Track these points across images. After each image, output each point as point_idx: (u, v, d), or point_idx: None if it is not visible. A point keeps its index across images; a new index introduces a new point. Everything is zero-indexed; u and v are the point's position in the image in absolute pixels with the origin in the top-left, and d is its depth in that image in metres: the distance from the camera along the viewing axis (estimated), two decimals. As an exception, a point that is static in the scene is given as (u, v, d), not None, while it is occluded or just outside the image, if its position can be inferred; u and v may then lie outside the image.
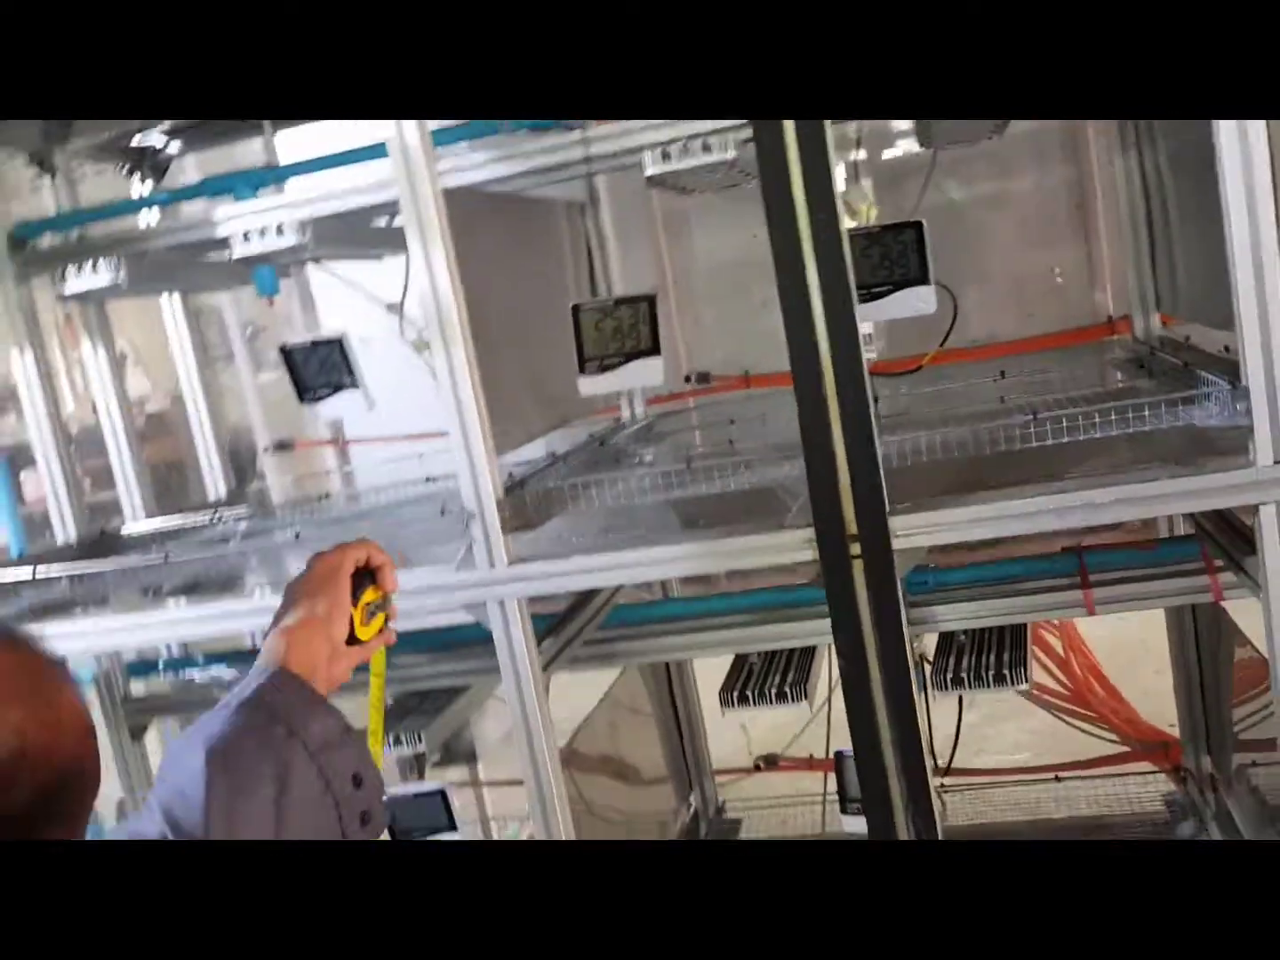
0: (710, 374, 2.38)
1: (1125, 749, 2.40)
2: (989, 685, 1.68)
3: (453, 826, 2.05)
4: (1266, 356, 1.31)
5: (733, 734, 2.89)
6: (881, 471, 1.43)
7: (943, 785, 2.38)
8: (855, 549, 1.46)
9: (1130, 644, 3.76)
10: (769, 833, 2.39)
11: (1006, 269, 2.43)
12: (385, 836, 1.16)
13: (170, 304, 2.35)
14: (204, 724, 0.99)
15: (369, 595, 1.17)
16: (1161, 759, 2.33)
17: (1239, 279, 1.32)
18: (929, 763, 1.68)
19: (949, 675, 1.71)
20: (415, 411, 2.54)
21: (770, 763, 2.50)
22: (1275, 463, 1.33)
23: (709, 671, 2.46)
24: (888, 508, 1.44)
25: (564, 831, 1.65)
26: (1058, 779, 2.32)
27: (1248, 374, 1.33)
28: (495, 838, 2.79)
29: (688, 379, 2.38)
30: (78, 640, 1.87)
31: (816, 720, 2.45)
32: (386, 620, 1.21)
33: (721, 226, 2.48)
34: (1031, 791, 2.31)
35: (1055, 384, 1.82)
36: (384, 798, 1.10)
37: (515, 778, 2.75)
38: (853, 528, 1.45)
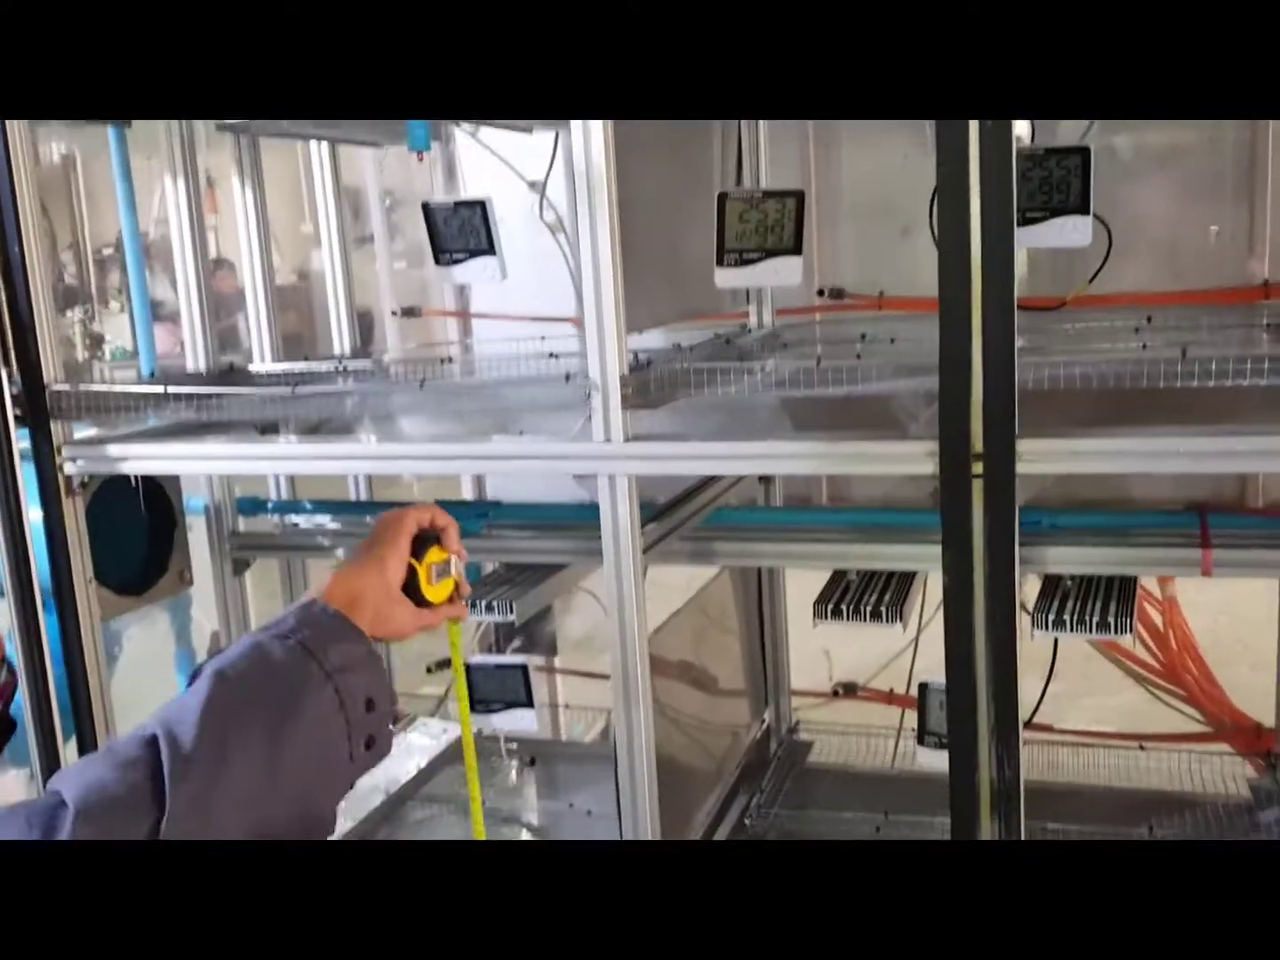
0: (844, 290, 2.34)
1: (1211, 730, 2.35)
2: (1092, 630, 1.65)
3: (530, 703, 2.10)
4: None
5: (814, 663, 2.89)
6: (1016, 393, 1.40)
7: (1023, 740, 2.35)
8: (977, 468, 1.43)
9: (1229, 640, 3.66)
10: (839, 758, 2.40)
11: (1162, 221, 2.33)
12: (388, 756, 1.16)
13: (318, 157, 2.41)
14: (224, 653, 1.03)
15: (434, 555, 1.18)
16: (1251, 743, 2.27)
17: None
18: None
19: (1051, 616, 1.67)
20: (542, 294, 2.56)
21: (849, 690, 2.50)
22: None
23: (796, 596, 2.47)
24: (1017, 430, 1.41)
25: (644, 724, 1.67)
26: (1141, 748, 2.27)
27: None
28: (563, 733, 2.86)
29: (820, 293, 2.34)
30: (198, 464, 1.94)
31: (900, 659, 2.44)
32: (458, 590, 1.22)
33: (873, 146, 2.42)
34: (1112, 757, 2.27)
35: (1203, 336, 1.75)
36: (393, 725, 1.11)
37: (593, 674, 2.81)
38: (978, 446, 1.42)
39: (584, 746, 2.60)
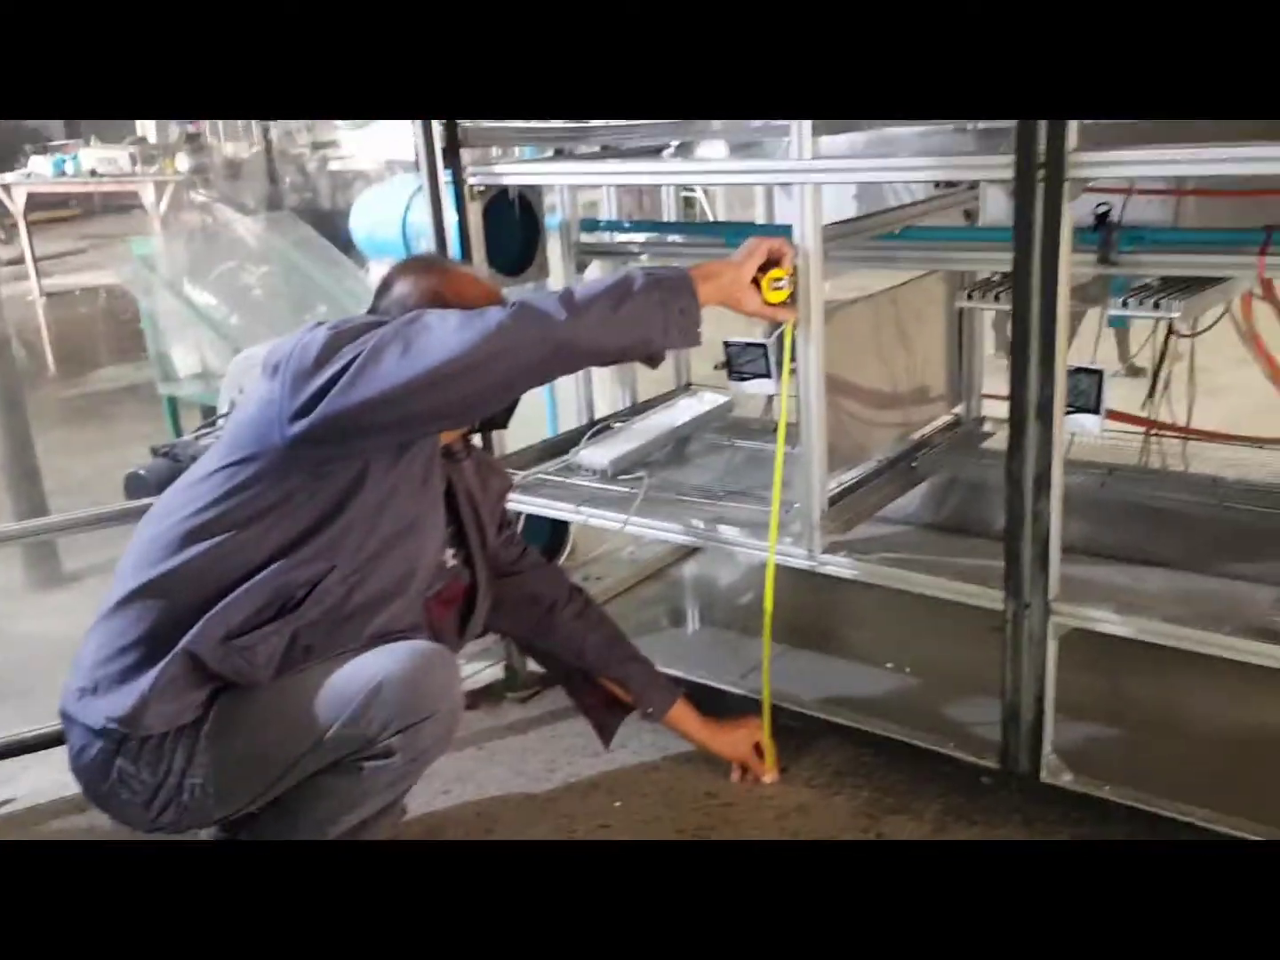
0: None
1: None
2: (1148, 309, 2.20)
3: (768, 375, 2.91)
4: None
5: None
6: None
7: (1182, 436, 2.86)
8: (1040, 174, 2.03)
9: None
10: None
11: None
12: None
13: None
14: None
15: (775, 272, 2.10)
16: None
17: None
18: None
19: (1122, 300, 2.24)
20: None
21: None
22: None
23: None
24: (1071, 145, 1.99)
25: (819, 388, 2.44)
26: (1261, 446, 2.74)
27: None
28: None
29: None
30: (552, 177, 2.93)
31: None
32: (793, 299, 2.13)
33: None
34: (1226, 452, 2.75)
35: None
36: (698, 328, 1.93)
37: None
38: (1042, 158, 2.02)
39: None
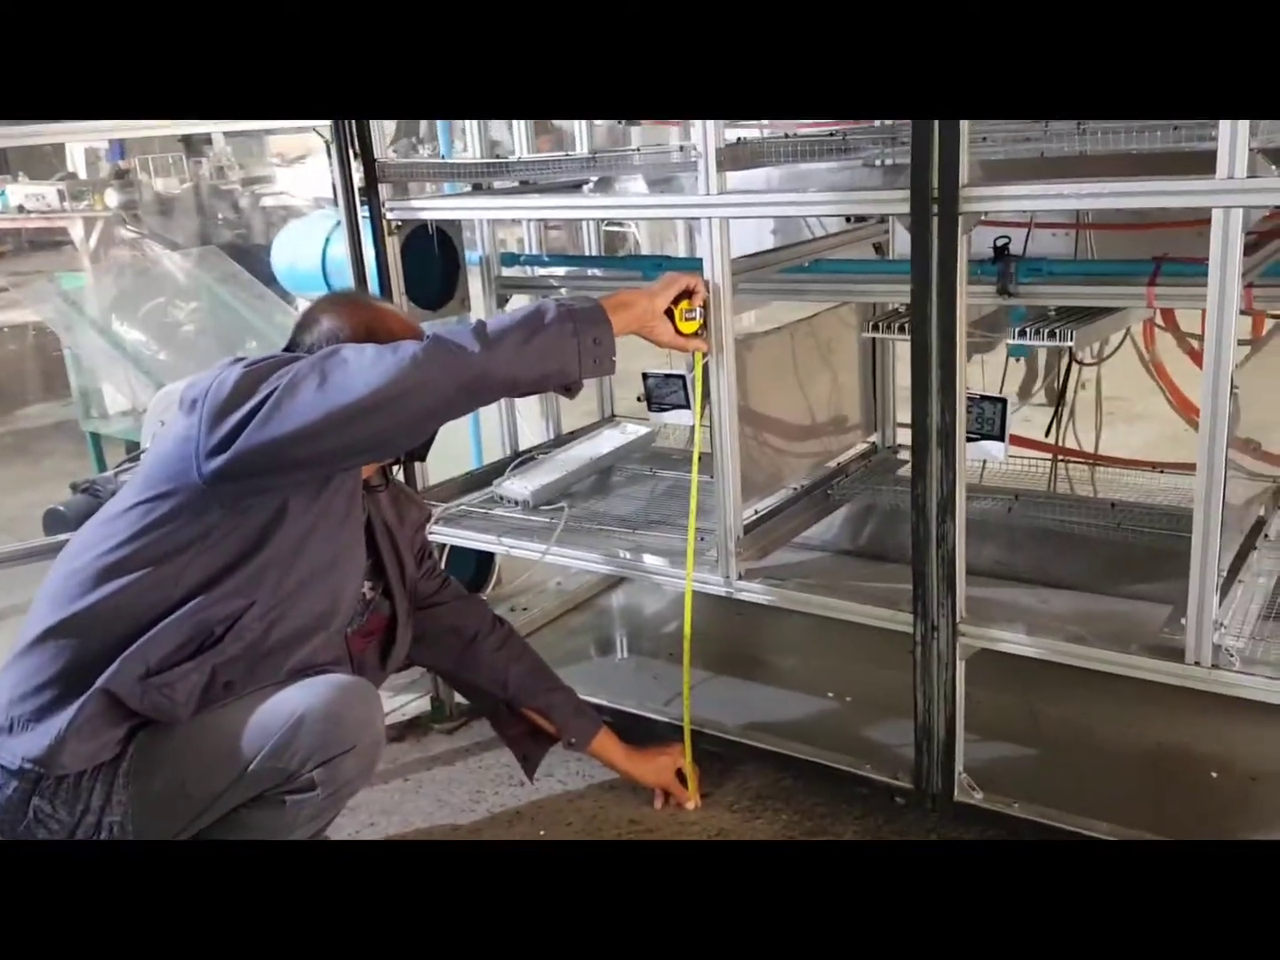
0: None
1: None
2: (1043, 339, 2.27)
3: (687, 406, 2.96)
4: None
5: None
6: (962, 154, 2.05)
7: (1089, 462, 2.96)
8: (935, 209, 2.11)
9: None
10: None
11: None
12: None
13: None
14: None
15: (686, 304, 2.23)
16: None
17: None
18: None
19: (1018, 331, 2.31)
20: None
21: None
22: None
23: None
24: (963, 180, 2.07)
25: (730, 407, 2.49)
26: (1160, 471, 2.84)
27: None
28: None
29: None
30: (471, 211, 2.97)
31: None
32: (705, 328, 2.25)
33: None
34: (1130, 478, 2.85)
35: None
36: (612, 358, 1.99)
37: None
38: (935, 193, 2.10)
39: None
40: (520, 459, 3.31)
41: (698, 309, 2.24)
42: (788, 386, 2.81)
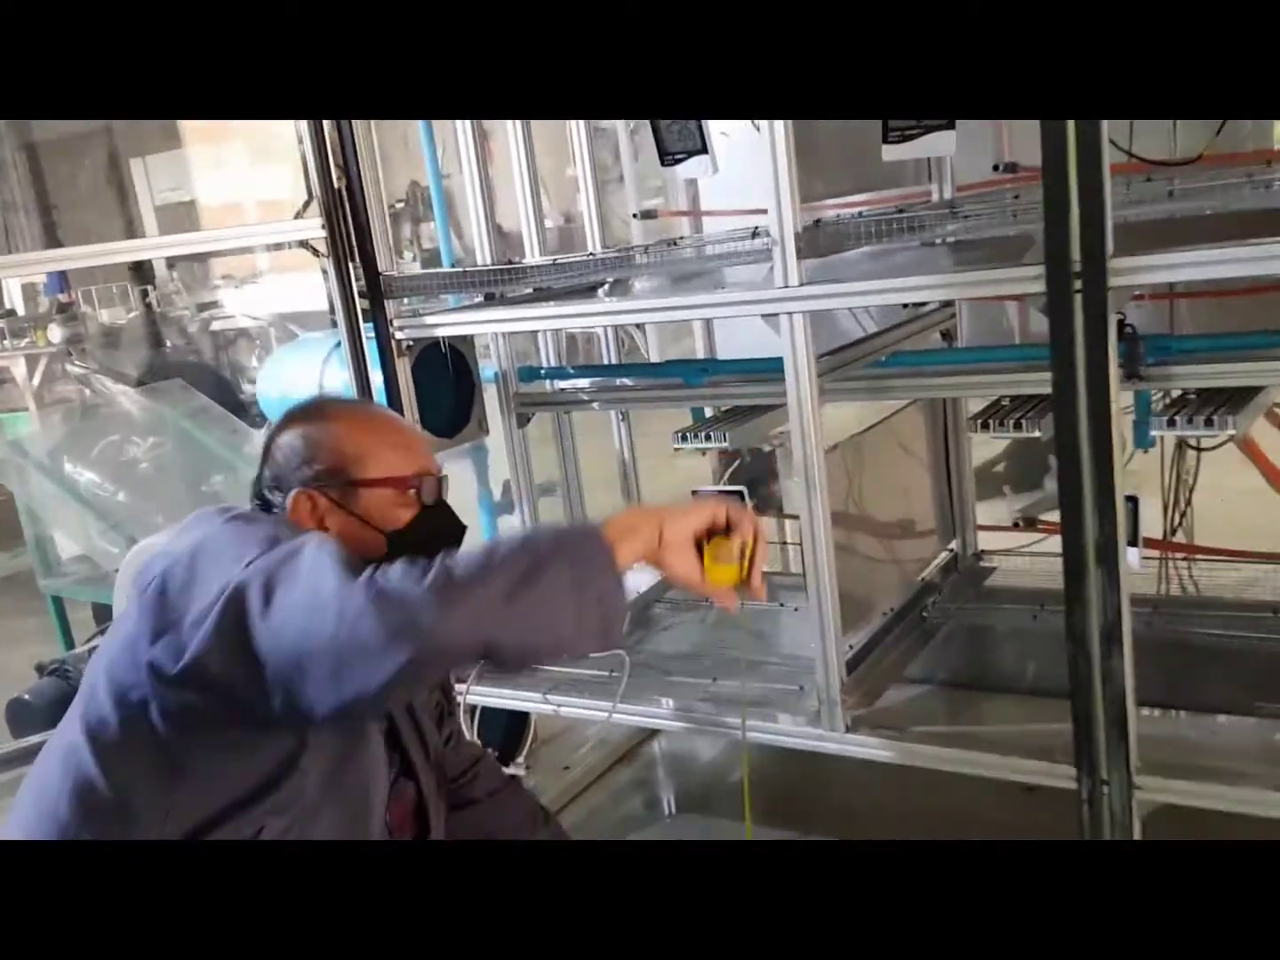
0: (1018, 164, 2.65)
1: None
2: (1200, 428, 1.95)
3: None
4: None
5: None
6: (1108, 218, 1.73)
7: (1185, 557, 2.63)
8: (1077, 284, 1.78)
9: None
10: (1018, 580, 2.76)
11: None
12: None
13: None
14: None
15: (721, 540, 1.40)
16: None
17: None
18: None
19: (1165, 419, 1.99)
20: (761, 191, 3.00)
21: (1029, 523, 2.84)
22: None
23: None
24: (1109, 250, 1.75)
25: (823, 525, 2.12)
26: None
27: None
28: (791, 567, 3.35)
29: (995, 168, 2.67)
30: (487, 326, 2.56)
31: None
32: (750, 574, 1.41)
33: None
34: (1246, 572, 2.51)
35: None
36: (622, 623, 1.38)
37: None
38: (1077, 266, 1.77)
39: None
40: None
41: (736, 549, 1.43)
42: (872, 499, 2.45)
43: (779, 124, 1.96)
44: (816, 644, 2.16)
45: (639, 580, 2.93)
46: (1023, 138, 2.72)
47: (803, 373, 2.05)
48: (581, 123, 3.00)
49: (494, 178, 2.94)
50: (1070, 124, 1.72)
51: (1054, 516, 2.86)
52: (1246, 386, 2.05)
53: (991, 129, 2.72)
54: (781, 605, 2.77)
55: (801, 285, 2.00)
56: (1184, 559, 2.62)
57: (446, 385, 2.73)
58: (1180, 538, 2.69)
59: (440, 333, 2.53)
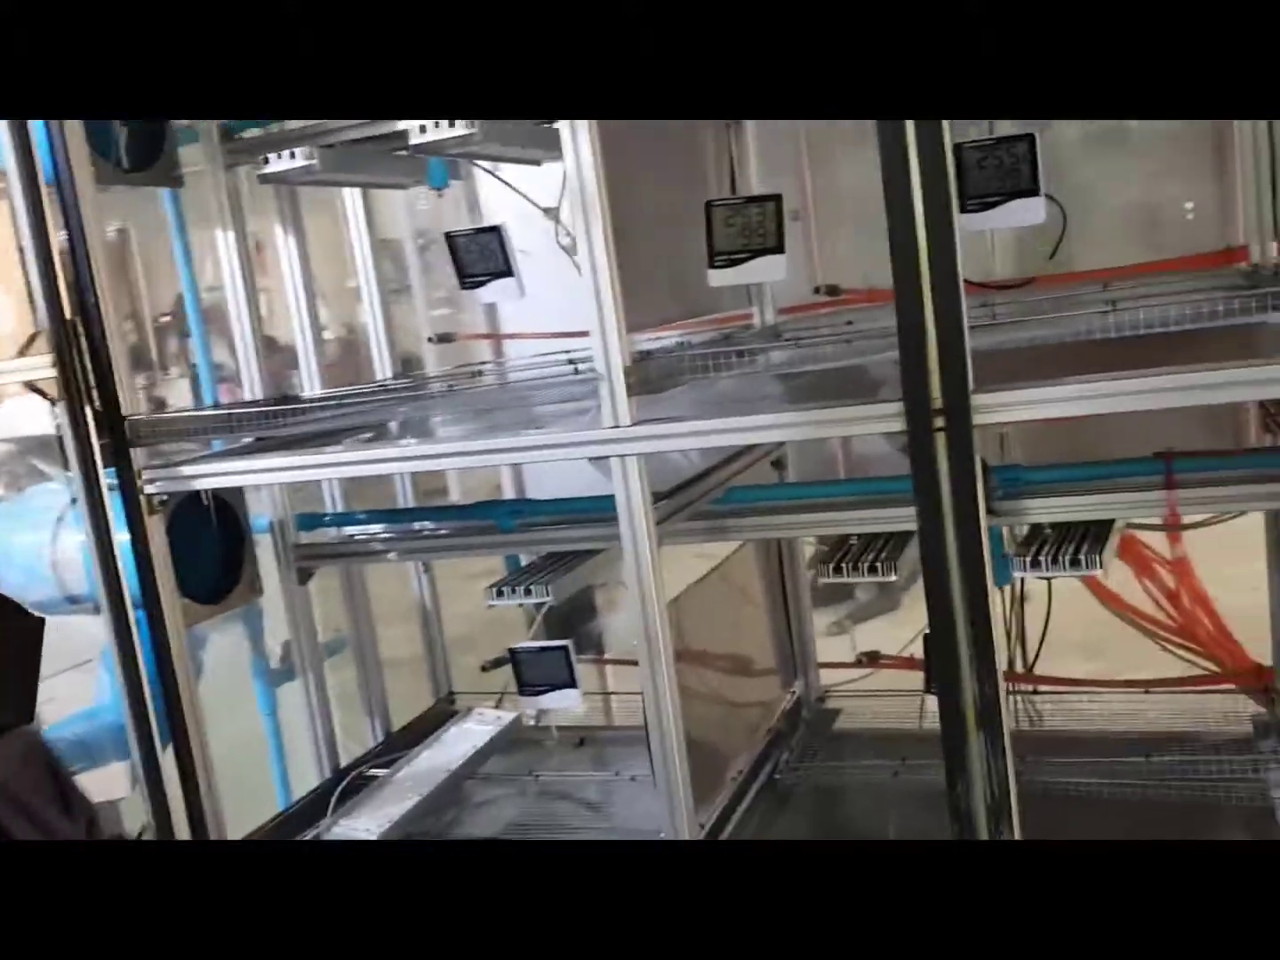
0: (839, 287, 2.53)
1: (1212, 673, 2.47)
2: (1065, 568, 1.81)
3: (573, 683, 2.29)
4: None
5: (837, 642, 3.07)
6: (968, 351, 1.58)
7: (1034, 690, 2.50)
8: (939, 422, 1.61)
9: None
10: (865, 722, 2.56)
11: (1135, 203, 2.50)
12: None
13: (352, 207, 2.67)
14: None
15: None
16: (1254, 681, 2.40)
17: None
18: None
19: (1028, 559, 1.84)
20: (565, 314, 2.77)
21: (872, 659, 2.66)
22: (1344, 355, 1.43)
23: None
24: (971, 386, 1.59)
25: (668, 683, 1.86)
26: (1147, 691, 2.41)
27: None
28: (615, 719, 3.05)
29: (817, 290, 2.54)
30: (260, 476, 2.17)
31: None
32: None
33: (862, 155, 2.61)
34: (1114, 702, 2.41)
35: (1158, 293, 1.91)
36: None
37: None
38: (938, 403, 1.60)
39: (632, 729, 2.76)
40: (346, 781, 2.49)
41: None
42: (713, 650, 2.21)
43: (599, 247, 1.73)
44: (666, 826, 1.87)
45: (449, 754, 2.56)
46: (839, 259, 2.61)
47: (639, 520, 1.80)
48: (364, 232, 2.70)
49: (269, 290, 2.61)
50: (922, 247, 1.57)
51: (870, 628, 2.73)
52: (1101, 519, 1.94)
53: (803, 251, 2.60)
54: (617, 774, 2.46)
55: (634, 425, 1.75)
56: (1032, 692, 2.49)
57: (211, 541, 2.33)
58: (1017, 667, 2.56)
59: (201, 484, 2.14)
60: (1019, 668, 2.57)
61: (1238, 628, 2.58)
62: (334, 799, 2.41)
